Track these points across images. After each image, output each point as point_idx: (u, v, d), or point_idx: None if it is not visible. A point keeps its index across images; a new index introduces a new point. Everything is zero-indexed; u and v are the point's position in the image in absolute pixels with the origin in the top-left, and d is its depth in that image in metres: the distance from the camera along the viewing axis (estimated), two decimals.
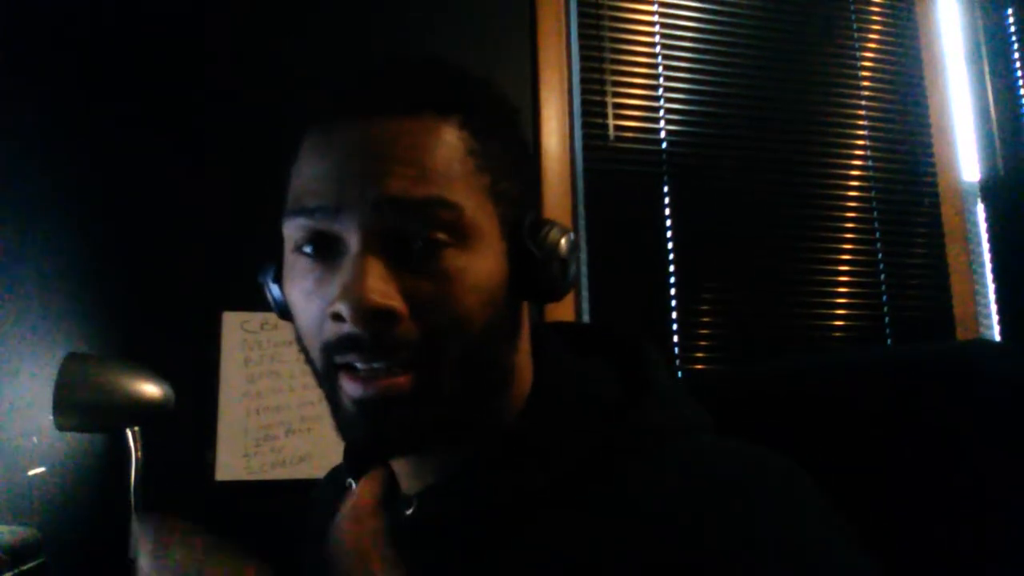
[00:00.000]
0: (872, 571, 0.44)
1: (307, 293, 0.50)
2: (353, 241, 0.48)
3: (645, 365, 0.56)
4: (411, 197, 0.47)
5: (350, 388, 0.49)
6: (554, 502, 0.48)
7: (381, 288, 0.46)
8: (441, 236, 0.48)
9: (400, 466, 0.57)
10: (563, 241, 0.54)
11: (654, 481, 0.47)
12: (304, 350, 0.53)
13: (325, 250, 0.50)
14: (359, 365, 0.48)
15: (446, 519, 0.52)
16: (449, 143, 0.49)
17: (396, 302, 0.47)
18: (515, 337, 0.55)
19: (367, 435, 0.49)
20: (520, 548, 0.48)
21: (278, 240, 0.54)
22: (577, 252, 0.57)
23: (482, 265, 0.49)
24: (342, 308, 0.46)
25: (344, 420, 0.50)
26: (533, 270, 0.52)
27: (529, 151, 0.58)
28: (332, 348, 0.49)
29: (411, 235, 0.48)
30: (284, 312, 0.56)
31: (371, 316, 0.46)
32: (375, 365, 0.48)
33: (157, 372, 1.14)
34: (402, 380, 0.48)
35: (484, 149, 0.51)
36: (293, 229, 0.51)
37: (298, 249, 0.51)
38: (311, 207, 0.49)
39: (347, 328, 0.47)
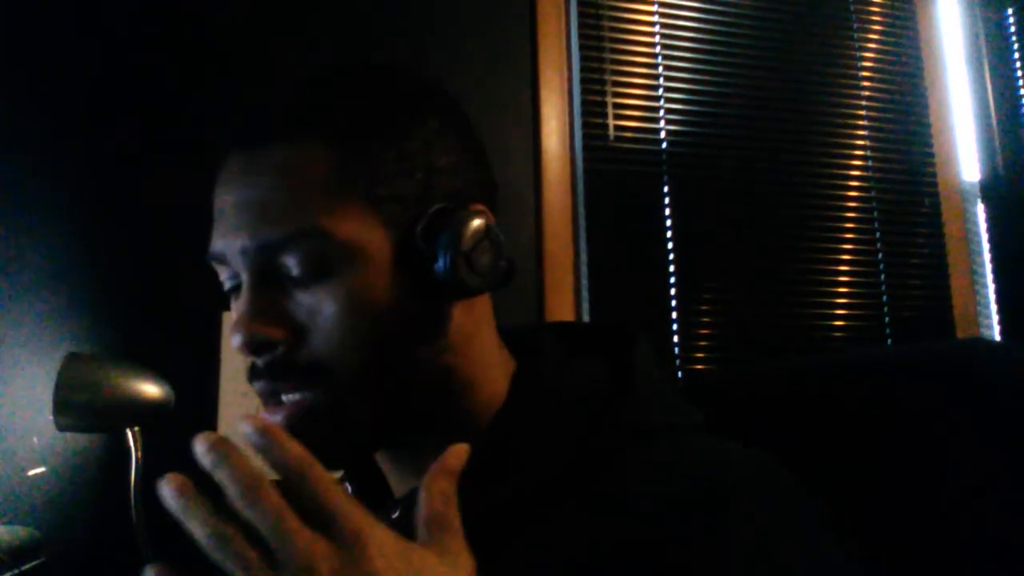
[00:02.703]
0: (859, 568, 0.44)
1: (231, 325, 0.53)
2: (244, 278, 0.51)
3: (632, 363, 0.54)
4: (274, 238, 0.49)
5: (267, 416, 0.51)
6: (535, 505, 0.48)
7: (260, 319, 0.49)
8: (316, 262, 0.49)
9: (385, 467, 0.57)
10: (467, 233, 0.50)
11: (635, 481, 0.47)
12: None
13: (239, 286, 0.53)
14: (264, 393, 0.51)
15: None
16: (312, 164, 0.50)
17: (274, 330, 0.49)
18: (440, 339, 0.52)
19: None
20: (503, 552, 0.47)
21: None
22: (492, 239, 0.52)
23: (363, 283, 0.49)
24: (233, 342, 0.50)
25: None
26: (429, 268, 0.51)
27: (448, 141, 0.54)
28: (248, 379, 0.52)
29: (287, 266, 0.49)
30: None
31: (253, 346, 0.50)
32: (275, 392, 0.51)
33: (157, 372, 1.14)
34: (301, 402, 0.50)
35: (355, 160, 0.50)
36: (217, 270, 0.55)
37: (225, 288, 0.55)
38: (211, 253, 0.53)
39: (250, 359, 0.51)
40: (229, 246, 0.51)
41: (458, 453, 0.43)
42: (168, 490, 0.35)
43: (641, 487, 0.46)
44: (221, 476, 0.34)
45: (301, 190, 0.49)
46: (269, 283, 0.50)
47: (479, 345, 0.55)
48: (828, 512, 0.46)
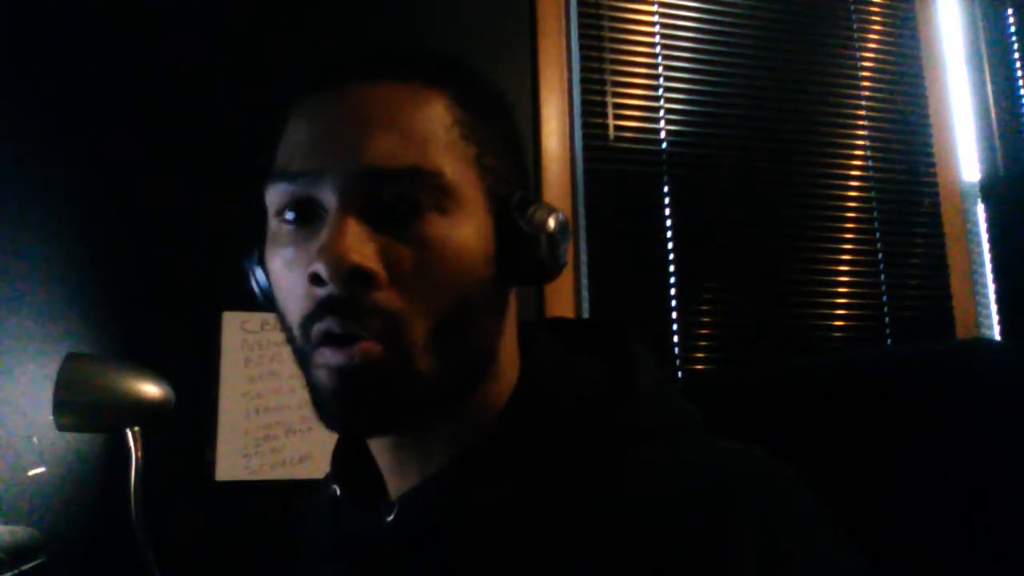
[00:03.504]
0: (861, 568, 0.44)
1: (287, 261, 0.49)
2: (333, 204, 0.47)
3: (632, 362, 0.54)
4: (389, 167, 0.47)
5: (329, 357, 0.47)
6: (536, 504, 0.47)
7: (359, 248, 0.46)
8: (422, 199, 0.47)
9: (384, 464, 0.56)
10: (551, 219, 0.52)
11: (637, 480, 0.46)
12: (286, 330, 0.51)
13: (305, 216, 0.49)
14: (337, 331, 0.47)
15: (426, 525, 0.50)
16: (435, 111, 0.50)
17: (374, 264, 0.46)
18: (499, 320, 0.53)
19: (342, 409, 0.48)
20: (503, 551, 0.47)
21: (262, 218, 0.53)
22: (567, 232, 0.54)
23: (465, 233, 0.49)
24: (320, 268, 0.45)
25: (321, 397, 0.49)
26: (520, 247, 0.51)
27: (519, 138, 0.57)
28: (311, 317, 0.48)
29: (391, 199, 0.47)
30: (268, 297, 0.55)
31: (349, 275, 0.45)
32: (353, 331, 0.46)
33: (157, 372, 1.14)
34: (378, 348, 0.46)
35: (472, 122, 0.51)
36: (275, 195, 0.50)
37: (279, 215, 0.50)
38: (292, 172, 0.49)
39: (325, 291, 0.46)
40: (332, 163, 0.47)
41: None
42: None
43: (642, 487, 0.46)
44: None
45: (425, 131, 0.48)
46: (366, 213, 0.47)
47: (512, 336, 0.56)
48: (829, 511, 0.46)
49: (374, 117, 0.48)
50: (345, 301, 0.46)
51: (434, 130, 0.49)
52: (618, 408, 0.51)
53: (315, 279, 0.46)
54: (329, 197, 0.47)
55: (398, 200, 0.47)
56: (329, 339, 0.47)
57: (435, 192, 0.48)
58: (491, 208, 0.51)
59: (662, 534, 0.43)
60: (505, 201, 0.52)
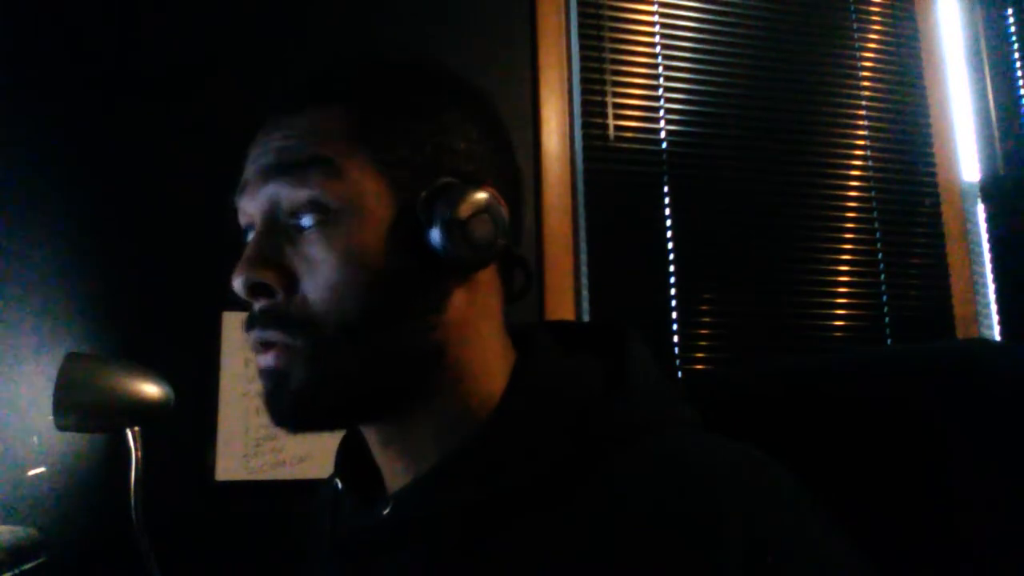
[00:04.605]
0: (852, 563, 0.44)
1: None
2: (256, 221, 0.54)
3: (627, 360, 0.55)
4: (289, 160, 0.52)
5: (258, 362, 0.53)
6: (527, 501, 0.48)
7: (258, 264, 0.51)
8: (316, 211, 0.51)
9: (380, 460, 0.57)
10: (465, 204, 0.51)
11: (629, 478, 0.47)
12: None
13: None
14: (256, 340, 0.52)
15: (419, 520, 0.51)
16: (331, 125, 0.53)
17: (269, 276, 0.51)
18: (437, 316, 0.52)
19: (267, 406, 0.53)
20: (493, 549, 0.47)
21: None
22: (493, 214, 0.53)
23: (361, 238, 0.50)
24: (233, 284, 0.52)
25: (264, 397, 0.54)
26: (427, 239, 0.52)
27: (467, 122, 0.56)
28: (245, 329, 0.53)
29: (293, 211, 0.52)
30: None
31: (248, 289, 0.51)
32: (266, 339, 0.51)
33: (157, 372, 1.14)
34: (288, 350, 0.51)
35: (372, 127, 0.53)
36: (238, 215, 0.57)
37: (245, 236, 0.56)
38: (237, 189, 0.57)
39: (250, 307, 0.53)
40: (250, 188, 0.54)
41: None
42: None
43: (633, 482, 0.46)
44: None
45: (320, 136, 0.52)
46: (276, 231, 0.52)
47: (477, 333, 0.55)
48: (821, 508, 0.46)
49: (277, 136, 0.53)
50: (256, 314, 0.52)
51: (331, 134, 0.52)
52: (611, 404, 0.51)
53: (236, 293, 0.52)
54: (255, 213, 0.54)
55: (297, 213, 0.52)
56: (256, 347, 0.53)
57: (325, 202, 0.51)
58: (397, 202, 0.52)
59: (654, 530, 0.43)
60: (413, 193, 0.52)
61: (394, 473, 0.56)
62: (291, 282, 0.51)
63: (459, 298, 0.54)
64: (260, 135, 0.55)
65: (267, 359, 0.51)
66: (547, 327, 0.61)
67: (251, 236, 0.54)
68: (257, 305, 0.52)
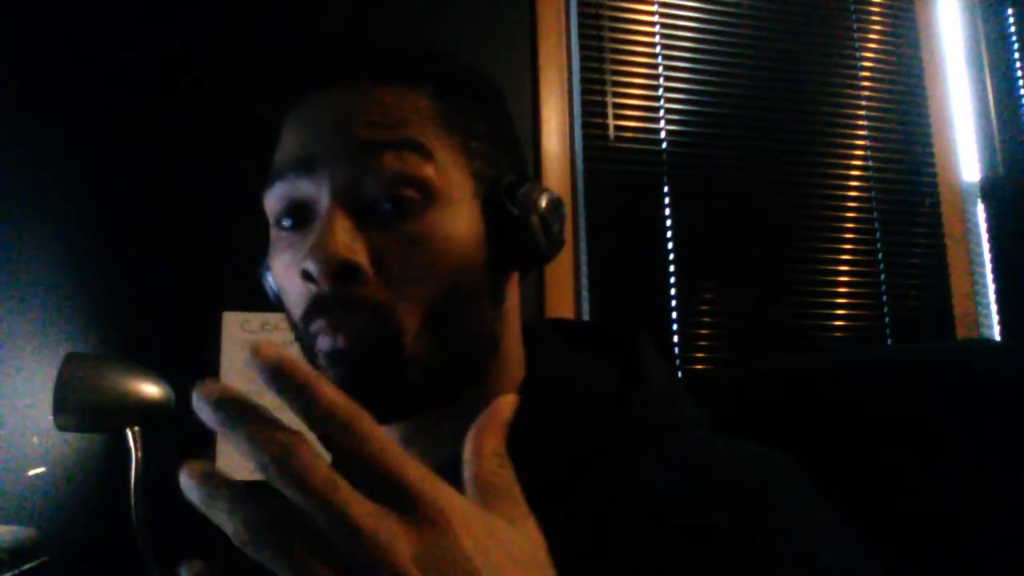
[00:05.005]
0: (867, 570, 0.44)
1: (286, 265, 0.51)
2: (324, 201, 0.49)
3: (641, 361, 0.55)
4: (381, 139, 0.48)
5: (323, 343, 0.49)
6: (545, 499, 0.48)
7: (346, 243, 0.47)
8: (409, 194, 0.48)
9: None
10: (543, 198, 0.53)
11: (647, 478, 0.46)
12: (293, 328, 0.53)
13: (301, 220, 0.51)
14: (329, 328, 0.48)
15: None
16: (418, 106, 0.51)
17: (361, 258, 0.47)
18: (497, 306, 0.53)
19: (351, 391, 0.49)
20: None
21: (267, 226, 0.55)
22: (561, 210, 0.54)
23: (452, 224, 0.49)
24: (310, 265, 0.47)
25: None
26: (511, 228, 0.52)
27: (510, 120, 0.58)
28: (307, 315, 0.49)
29: (380, 193, 0.48)
30: (279, 301, 0.57)
31: (337, 271, 0.46)
32: (343, 327, 0.48)
33: (157, 372, 1.14)
34: (368, 336, 0.48)
35: (455, 113, 0.52)
36: (272, 201, 0.52)
37: (278, 224, 0.52)
38: (286, 168, 0.50)
39: (317, 290, 0.48)
40: (322, 147, 0.49)
41: (508, 404, 0.37)
42: (189, 480, 0.29)
43: (650, 482, 0.46)
44: (239, 438, 0.28)
45: (407, 120, 0.50)
46: (355, 209, 0.48)
47: (516, 324, 0.56)
48: (838, 514, 0.46)
49: (360, 109, 0.50)
50: (334, 298, 0.47)
51: (418, 120, 0.50)
52: (625, 405, 0.51)
53: (306, 276, 0.48)
54: (321, 192, 0.49)
55: (385, 195, 0.48)
56: (324, 329, 0.49)
57: (423, 183, 0.49)
58: (479, 192, 0.52)
59: (649, 530, 0.43)
60: (494, 183, 0.52)
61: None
62: (378, 264, 0.48)
63: (511, 288, 0.55)
64: (328, 103, 0.51)
65: (337, 342, 0.48)
66: (552, 325, 0.61)
67: (299, 225, 0.50)
68: (334, 289, 0.47)
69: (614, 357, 0.56)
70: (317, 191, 0.49)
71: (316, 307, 0.48)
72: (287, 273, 0.51)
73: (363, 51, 0.55)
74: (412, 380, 0.49)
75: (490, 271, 0.52)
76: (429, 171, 0.49)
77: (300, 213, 0.51)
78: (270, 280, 0.58)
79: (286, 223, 0.51)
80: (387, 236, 0.48)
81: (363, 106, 0.50)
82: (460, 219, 0.50)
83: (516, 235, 0.52)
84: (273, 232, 0.53)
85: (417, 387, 0.49)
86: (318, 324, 0.49)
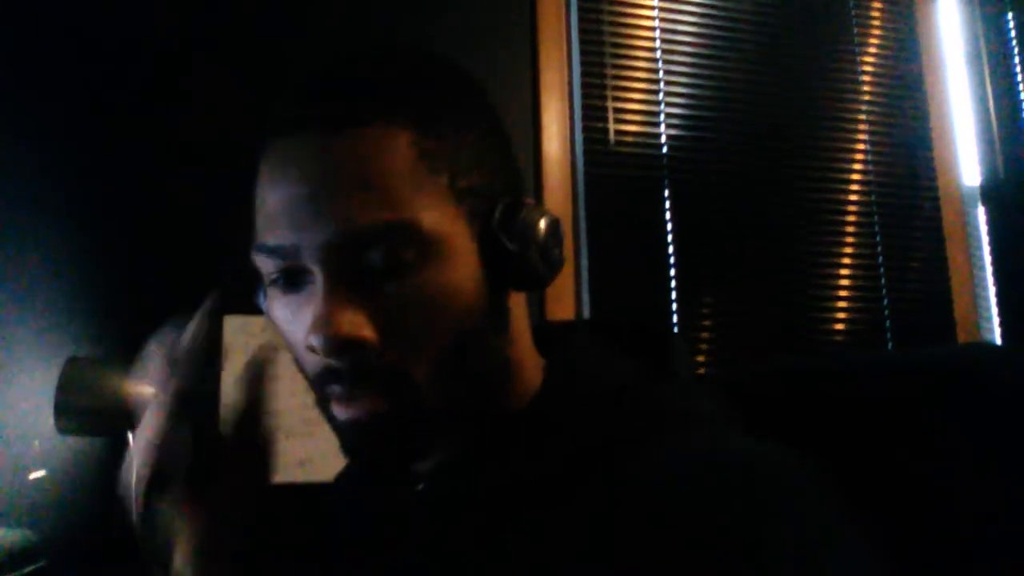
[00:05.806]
0: (853, 573, 0.44)
1: (287, 323, 0.51)
2: (318, 273, 0.47)
3: (670, 356, 0.55)
4: (363, 228, 0.46)
5: (338, 411, 0.50)
6: (567, 484, 0.47)
7: (349, 319, 0.46)
8: (403, 256, 0.47)
9: None
10: (541, 224, 0.52)
11: (653, 475, 0.46)
12: (306, 379, 0.54)
13: (295, 280, 0.50)
14: (343, 395, 0.49)
15: (456, 497, 0.52)
16: (399, 151, 0.47)
17: (366, 331, 0.47)
18: (504, 331, 0.53)
19: (362, 458, 0.52)
20: (530, 531, 0.47)
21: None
22: (558, 233, 0.53)
23: (451, 274, 0.48)
24: (315, 342, 0.47)
25: (343, 444, 0.52)
26: (509, 261, 0.51)
27: (497, 133, 0.54)
28: (318, 380, 0.50)
29: (374, 257, 0.47)
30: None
31: (343, 348, 0.47)
32: (357, 396, 0.49)
33: None
34: (383, 402, 0.48)
35: (439, 148, 0.49)
36: (261, 263, 0.51)
37: (272, 282, 0.51)
38: (271, 246, 0.49)
39: (325, 360, 0.48)
40: (306, 238, 0.47)
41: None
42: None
43: (655, 479, 0.46)
44: None
45: (389, 178, 0.47)
46: (350, 279, 0.47)
47: (527, 336, 0.56)
48: (852, 526, 0.45)
49: (340, 176, 0.46)
50: (344, 369, 0.48)
51: (402, 175, 0.47)
52: (652, 394, 0.52)
53: (313, 351, 0.48)
54: (313, 266, 0.48)
55: (380, 261, 0.47)
56: (337, 397, 0.50)
57: (415, 244, 0.47)
58: (474, 230, 0.50)
59: (649, 529, 0.42)
60: (488, 218, 0.51)
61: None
62: (382, 334, 0.47)
63: (516, 306, 0.55)
64: (296, 162, 0.47)
65: (354, 413, 0.49)
66: (586, 325, 0.62)
67: (289, 286, 0.50)
68: (342, 362, 0.47)
69: (645, 355, 0.57)
70: (308, 265, 0.48)
71: (329, 376, 0.49)
72: (290, 329, 0.51)
73: (336, 71, 0.51)
74: (432, 429, 0.50)
75: (492, 303, 0.52)
76: (421, 232, 0.47)
77: (292, 275, 0.50)
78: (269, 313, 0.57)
79: (280, 283, 0.51)
80: (387, 298, 0.47)
81: (340, 163, 0.46)
82: (458, 267, 0.49)
83: (515, 268, 0.51)
84: (267, 286, 0.52)
85: (437, 432, 0.51)
86: (332, 390, 0.50)
